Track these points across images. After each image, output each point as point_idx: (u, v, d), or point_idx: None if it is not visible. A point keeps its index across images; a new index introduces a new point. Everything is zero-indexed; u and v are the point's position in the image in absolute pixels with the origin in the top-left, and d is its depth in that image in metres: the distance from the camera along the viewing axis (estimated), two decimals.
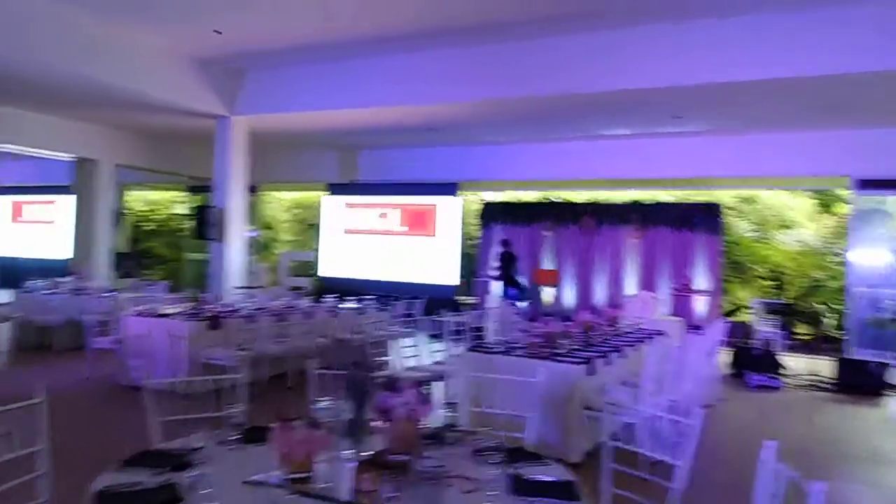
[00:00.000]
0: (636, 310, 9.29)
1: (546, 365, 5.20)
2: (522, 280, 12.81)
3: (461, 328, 7.30)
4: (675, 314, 11.16)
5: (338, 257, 15.64)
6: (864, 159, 11.04)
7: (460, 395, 4.54)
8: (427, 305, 9.61)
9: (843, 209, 13.95)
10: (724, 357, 9.23)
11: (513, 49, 9.22)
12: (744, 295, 14.83)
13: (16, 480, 2.38)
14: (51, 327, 9.31)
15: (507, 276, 12.39)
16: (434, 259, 14.44)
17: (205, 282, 12.99)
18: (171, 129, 12.91)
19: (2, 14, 7.84)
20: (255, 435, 2.64)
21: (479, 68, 9.46)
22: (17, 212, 18.44)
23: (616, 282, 13.24)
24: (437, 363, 6.83)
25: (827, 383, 8.97)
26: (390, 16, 8.49)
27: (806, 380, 9.24)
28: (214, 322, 7.07)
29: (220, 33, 9.19)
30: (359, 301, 9.43)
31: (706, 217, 12.64)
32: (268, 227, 18.84)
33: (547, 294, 13.73)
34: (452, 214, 14.47)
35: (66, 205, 15.31)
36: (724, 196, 13.48)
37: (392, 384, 2.38)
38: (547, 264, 13.81)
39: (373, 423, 2.53)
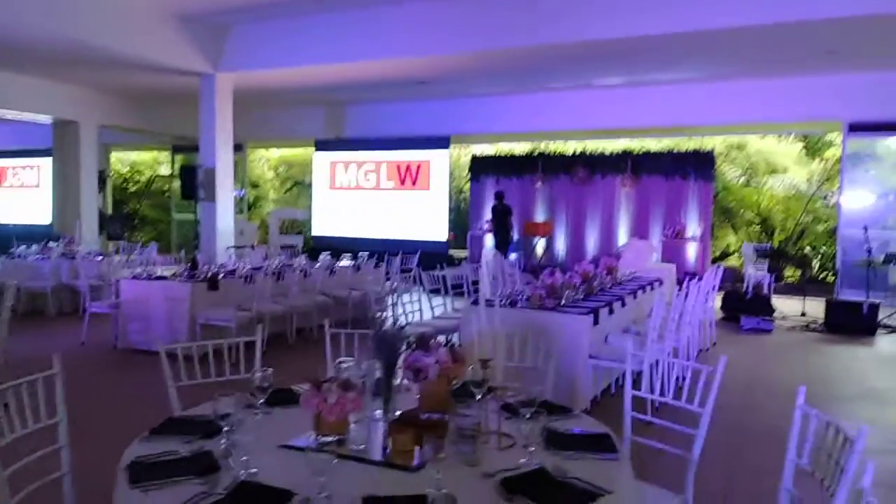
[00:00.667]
0: (631, 258, 9.35)
1: (552, 316, 5.24)
2: (514, 233, 12.81)
3: (459, 282, 7.30)
4: (667, 261, 11.26)
5: (328, 215, 15.52)
6: (855, 104, 11.04)
7: (469, 349, 4.55)
8: (420, 261, 9.59)
9: (832, 153, 14.00)
10: (717, 301, 9.34)
11: None
12: (734, 240, 14.98)
13: (34, 454, 2.34)
14: (43, 292, 9.19)
15: (501, 230, 12.37)
16: (426, 214, 14.37)
17: (193, 243, 12.86)
18: (154, 88, 12.55)
19: None
20: (281, 397, 2.63)
21: (468, 19, 9.23)
22: (1, 176, 18.03)
23: (609, 231, 13.29)
24: (438, 318, 6.86)
25: (818, 324, 9.14)
26: None
27: (797, 322, 9.41)
28: (213, 283, 7.01)
29: None
30: (354, 258, 9.39)
31: (698, 164, 12.68)
32: (254, 185, 18.61)
33: (539, 246, 13.76)
34: (443, 169, 14.34)
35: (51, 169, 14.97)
36: (713, 143, 13.47)
37: (424, 342, 2.35)
38: (539, 216, 13.81)
39: (402, 382, 2.52)
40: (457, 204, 16.21)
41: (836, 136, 12.99)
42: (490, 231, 12.78)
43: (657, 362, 2.97)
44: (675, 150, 13.03)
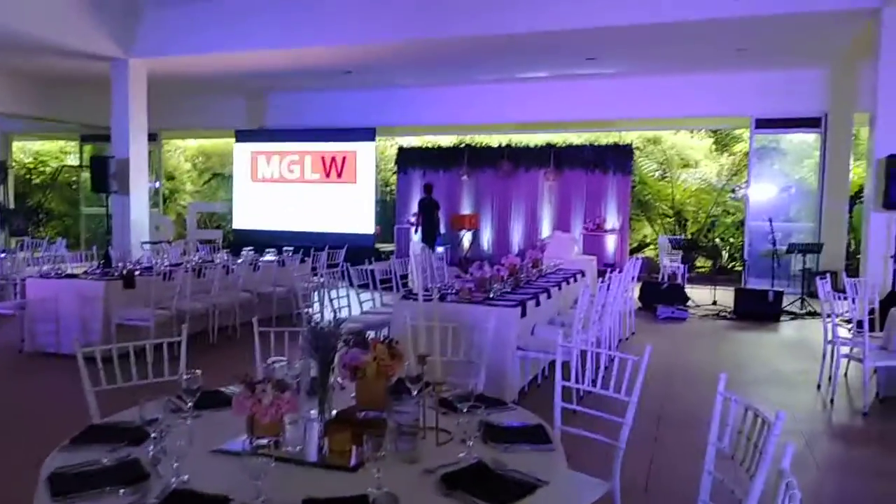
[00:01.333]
0: (554, 250, 9.57)
1: (481, 309, 5.30)
2: (442, 227, 12.85)
3: (387, 276, 7.27)
4: (588, 253, 11.58)
5: (250, 208, 15.10)
6: (762, 100, 11.65)
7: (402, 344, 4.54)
8: (345, 255, 9.49)
9: (740, 148, 14.74)
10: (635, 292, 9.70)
11: None
12: (649, 232, 15.56)
13: None
14: None
15: (428, 223, 12.38)
16: (351, 207, 14.21)
17: (105, 238, 12.26)
18: (60, 73, 11.83)
19: None
20: (210, 399, 2.54)
21: (396, 8, 9.19)
22: None
23: (533, 224, 13.55)
24: (367, 313, 6.80)
25: (728, 312, 9.64)
26: None
27: (709, 310, 9.89)
28: (129, 280, 6.71)
29: None
30: (279, 253, 9.19)
31: (617, 158, 13.08)
32: (170, 177, 17.88)
33: (466, 239, 13.88)
34: (369, 161, 14.21)
35: None
36: (630, 137, 13.93)
37: (360, 340, 2.33)
38: (465, 209, 13.92)
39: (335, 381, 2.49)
40: (383, 197, 16.10)
41: (744, 132, 13.68)
42: (417, 224, 12.78)
43: (583, 352, 3.06)
44: (595, 144, 13.39)
